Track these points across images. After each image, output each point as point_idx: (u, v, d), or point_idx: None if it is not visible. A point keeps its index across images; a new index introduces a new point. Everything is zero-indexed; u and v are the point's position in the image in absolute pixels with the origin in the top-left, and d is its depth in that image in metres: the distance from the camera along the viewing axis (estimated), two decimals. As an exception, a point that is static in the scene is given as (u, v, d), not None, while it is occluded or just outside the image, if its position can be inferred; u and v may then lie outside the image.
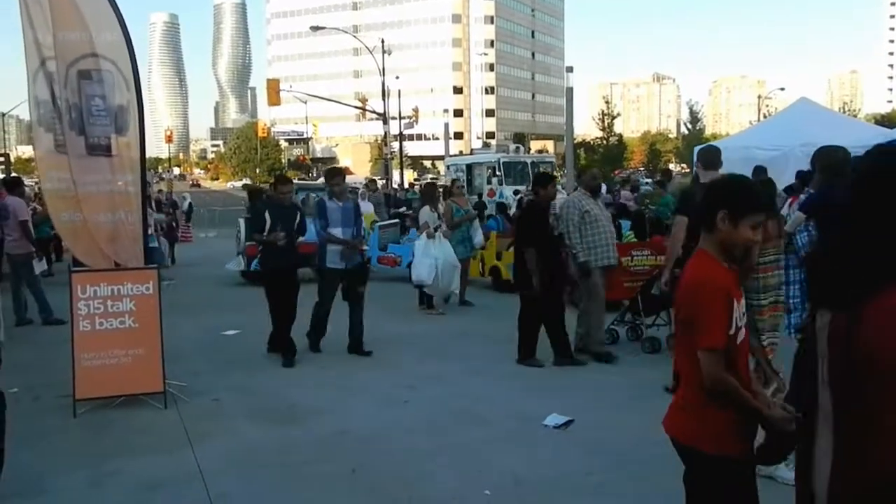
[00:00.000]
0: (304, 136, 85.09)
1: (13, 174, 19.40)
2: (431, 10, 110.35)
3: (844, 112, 50.89)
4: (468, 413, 5.59)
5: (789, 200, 7.98)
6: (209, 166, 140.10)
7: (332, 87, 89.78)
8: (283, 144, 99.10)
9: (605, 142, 56.36)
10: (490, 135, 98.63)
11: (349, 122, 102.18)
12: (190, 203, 25.80)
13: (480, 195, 21.90)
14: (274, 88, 34.28)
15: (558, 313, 6.98)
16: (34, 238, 9.39)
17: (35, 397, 6.01)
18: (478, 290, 11.04)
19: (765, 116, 51.76)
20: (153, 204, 15.34)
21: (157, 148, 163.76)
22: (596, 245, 7.02)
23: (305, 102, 62.17)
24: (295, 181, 16.13)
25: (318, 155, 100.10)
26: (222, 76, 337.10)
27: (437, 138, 71.93)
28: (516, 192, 20.98)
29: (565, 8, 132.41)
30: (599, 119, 56.13)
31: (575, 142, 49.46)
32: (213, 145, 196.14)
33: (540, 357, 6.95)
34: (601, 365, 6.89)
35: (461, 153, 55.49)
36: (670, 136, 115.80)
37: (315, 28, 44.07)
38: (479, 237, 10.48)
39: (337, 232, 7.36)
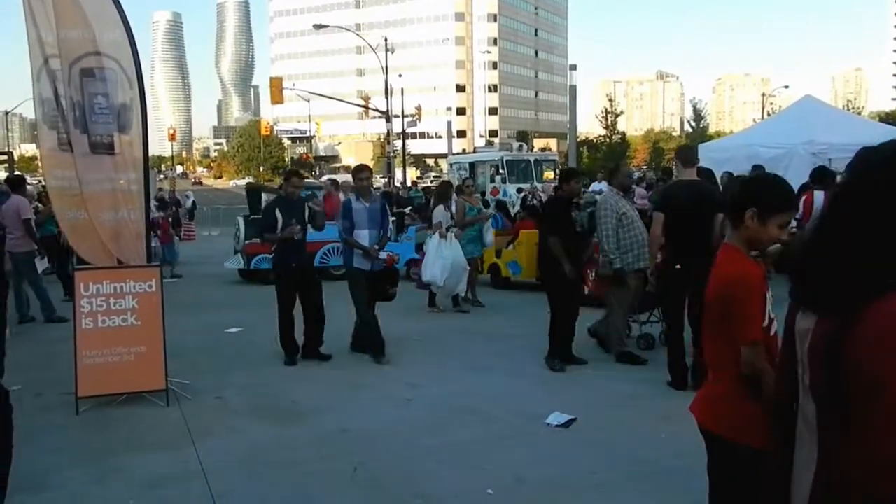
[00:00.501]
0: (307, 134, 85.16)
1: (17, 172, 19.42)
2: (434, 8, 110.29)
3: (849, 110, 50.86)
4: (470, 411, 5.59)
5: (804, 198, 7.97)
6: (212, 165, 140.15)
7: (334, 86, 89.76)
8: (286, 143, 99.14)
9: (608, 140, 56.22)
10: (493, 133, 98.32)
11: (352, 120, 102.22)
12: (193, 201, 25.82)
13: (484, 193, 21.88)
14: (277, 86, 34.38)
15: (573, 312, 6.88)
16: (38, 236, 9.41)
17: (37, 395, 6.02)
18: (478, 287, 11.01)
19: (769, 114, 51.65)
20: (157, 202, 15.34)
21: (160, 146, 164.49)
22: (631, 248, 6.80)
23: (308, 101, 62.10)
24: None
25: (321, 153, 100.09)
26: (225, 74, 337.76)
27: (440, 136, 71.79)
28: (519, 190, 20.98)
29: (569, 6, 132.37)
30: (603, 117, 55.96)
31: (578, 140, 49.59)
32: (216, 143, 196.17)
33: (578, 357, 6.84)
34: (601, 363, 6.86)
35: (464, 151, 55.48)
36: (674, 133, 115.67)
37: (318, 26, 43.99)
38: (489, 237, 10.43)
39: (363, 234, 7.07)
